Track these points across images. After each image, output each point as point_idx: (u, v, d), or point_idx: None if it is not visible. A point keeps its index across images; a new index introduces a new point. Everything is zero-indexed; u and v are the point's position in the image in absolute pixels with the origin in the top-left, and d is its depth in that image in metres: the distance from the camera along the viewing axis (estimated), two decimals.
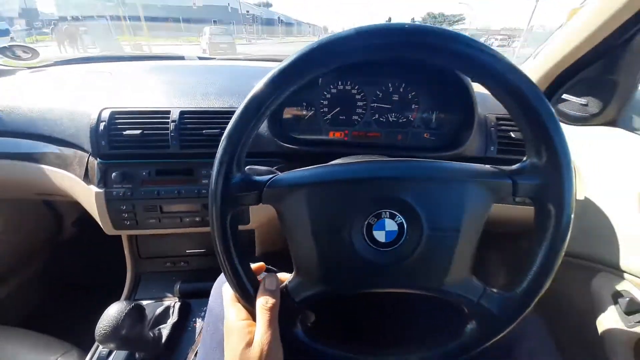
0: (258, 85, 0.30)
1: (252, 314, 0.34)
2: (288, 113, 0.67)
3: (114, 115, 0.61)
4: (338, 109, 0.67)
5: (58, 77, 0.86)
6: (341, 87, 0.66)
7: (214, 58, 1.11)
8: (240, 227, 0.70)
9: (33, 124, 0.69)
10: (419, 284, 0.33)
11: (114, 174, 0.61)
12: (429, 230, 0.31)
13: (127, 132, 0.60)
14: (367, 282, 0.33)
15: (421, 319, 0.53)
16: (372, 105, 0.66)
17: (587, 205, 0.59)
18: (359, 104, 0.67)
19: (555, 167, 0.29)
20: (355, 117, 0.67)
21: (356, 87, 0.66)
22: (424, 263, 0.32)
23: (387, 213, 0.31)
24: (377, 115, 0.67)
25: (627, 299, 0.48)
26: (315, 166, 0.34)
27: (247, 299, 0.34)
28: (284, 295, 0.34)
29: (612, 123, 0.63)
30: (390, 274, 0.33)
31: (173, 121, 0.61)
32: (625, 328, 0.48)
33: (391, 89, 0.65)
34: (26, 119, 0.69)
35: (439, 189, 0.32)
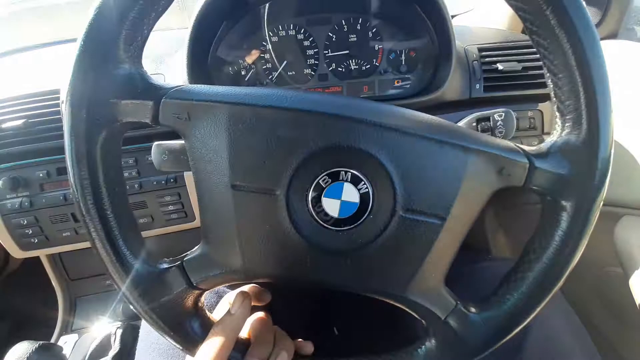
0: None
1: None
2: (219, 73, 0.53)
3: None
4: (285, 62, 0.53)
5: None
6: (283, 32, 0.52)
7: None
8: (185, 226, 0.58)
9: None
10: (374, 285, 0.23)
11: (1, 181, 0.47)
12: (403, 211, 0.21)
13: (7, 124, 0.46)
14: (299, 272, 0.23)
15: (372, 320, 0.43)
16: (326, 52, 0.53)
17: None
18: (309, 52, 0.53)
19: (592, 148, 0.21)
20: (308, 71, 0.54)
21: (302, 31, 0.52)
22: (386, 257, 0.22)
23: (349, 175, 0.21)
24: (333, 65, 0.54)
25: None
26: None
27: (131, 279, 0.23)
28: (174, 274, 0.24)
29: (613, 35, 0.52)
30: (336, 266, 0.22)
31: (63, 102, 0.46)
32: None
33: (346, 27, 0.52)
34: None
35: (430, 153, 0.21)
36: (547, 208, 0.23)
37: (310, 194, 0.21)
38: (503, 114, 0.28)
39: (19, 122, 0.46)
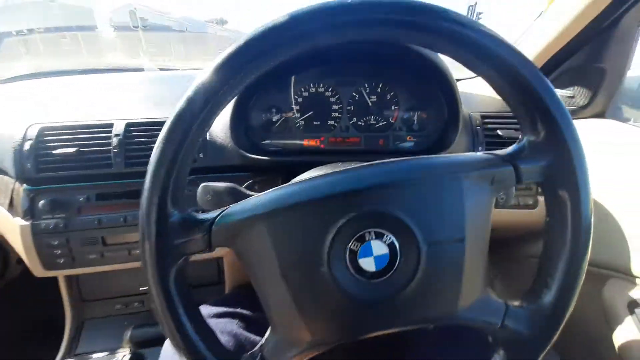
0: (197, 81, 0.23)
1: None
2: (255, 120, 0.59)
3: (43, 132, 0.51)
4: (311, 112, 0.60)
5: None
6: (313, 89, 0.59)
7: (179, 69, 1.03)
8: (203, 256, 0.61)
9: None
10: (427, 315, 0.26)
11: (42, 202, 0.50)
12: (427, 246, 0.24)
13: (59, 150, 0.50)
14: (362, 327, 0.26)
15: (438, 355, 0.44)
16: (349, 108, 0.60)
17: None
18: (335, 107, 0.60)
19: (558, 142, 0.25)
20: (331, 122, 0.61)
21: (330, 89, 0.60)
22: (428, 288, 0.25)
23: (372, 233, 0.24)
24: (354, 119, 0.61)
25: None
26: (272, 189, 0.26)
27: None
28: None
29: (601, 115, 0.60)
30: (390, 311, 0.25)
31: (117, 135, 0.51)
32: None
33: (368, 89, 0.60)
34: None
35: (428, 191, 0.25)
36: (550, 204, 0.27)
37: (348, 260, 0.24)
38: None
39: (72, 149, 0.50)
